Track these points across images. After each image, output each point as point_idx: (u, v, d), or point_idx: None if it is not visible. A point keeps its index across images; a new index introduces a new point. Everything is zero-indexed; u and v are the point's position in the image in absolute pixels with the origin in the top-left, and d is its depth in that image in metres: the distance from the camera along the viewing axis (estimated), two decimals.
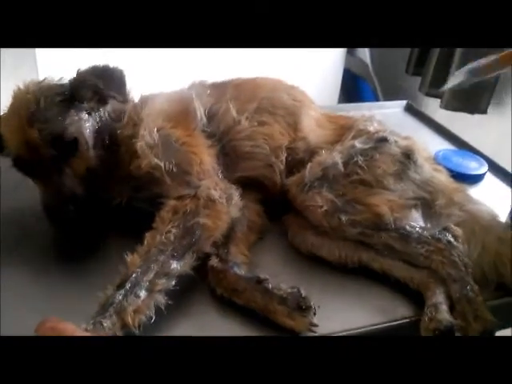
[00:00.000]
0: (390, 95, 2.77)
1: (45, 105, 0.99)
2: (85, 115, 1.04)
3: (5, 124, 1.02)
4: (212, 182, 1.00)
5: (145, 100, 1.15)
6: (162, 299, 0.84)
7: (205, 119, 1.13)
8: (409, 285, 0.97)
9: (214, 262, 0.96)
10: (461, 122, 2.08)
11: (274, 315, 0.88)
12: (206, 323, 0.89)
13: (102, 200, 1.05)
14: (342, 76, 2.90)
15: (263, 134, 1.14)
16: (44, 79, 1.06)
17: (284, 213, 1.13)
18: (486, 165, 1.43)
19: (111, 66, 1.04)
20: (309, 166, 1.08)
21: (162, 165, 1.00)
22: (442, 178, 1.12)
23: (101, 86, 1.02)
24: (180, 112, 1.11)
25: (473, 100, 2.18)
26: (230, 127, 1.14)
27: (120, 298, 0.81)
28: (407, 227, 0.99)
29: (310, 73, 2.72)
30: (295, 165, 1.14)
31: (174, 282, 0.86)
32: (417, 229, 0.99)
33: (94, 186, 1.04)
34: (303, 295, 0.88)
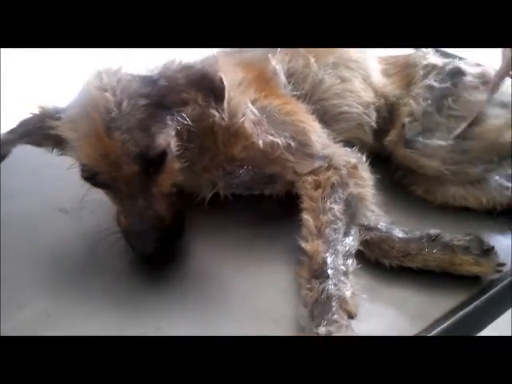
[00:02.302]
0: None
1: (128, 109, 0.80)
2: (170, 121, 0.86)
3: (74, 128, 0.82)
4: (336, 148, 0.93)
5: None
6: (357, 280, 0.80)
7: (285, 80, 1.02)
8: None
9: (363, 235, 0.88)
10: None
11: (459, 267, 0.84)
12: None
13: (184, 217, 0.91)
14: None
15: (349, 91, 1.07)
16: (119, 68, 0.85)
17: None
18: None
19: (207, 69, 0.85)
20: (404, 120, 1.04)
21: (279, 141, 0.90)
22: None
23: (200, 103, 0.84)
24: (261, 77, 0.98)
25: None
26: (315, 86, 1.04)
27: (333, 288, 0.74)
28: None
29: None
30: (382, 122, 1.10)
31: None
32: None
33: (179, 204, 0.90)
34: (482, 239, 0.84)
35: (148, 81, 0.84)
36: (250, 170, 0.97)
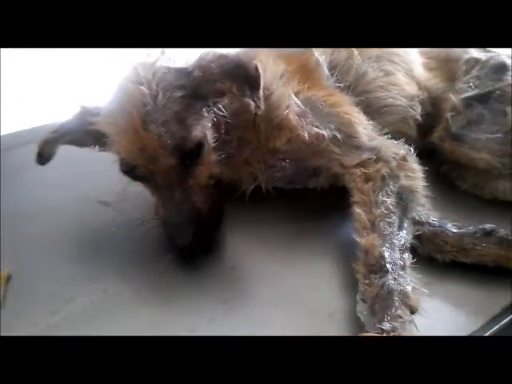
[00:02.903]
0: None
1: (163, 101, 0.80)
2: (205, 113, 0.85)
3: (112, 122, 0.83)
4: (383, 139, 0.92)
5: None
6: (415, 274, 0.77)
7: (328, 72, 1.00)
8: None
9: (416, 230, 0.86)
10: None
11: None
12: None
13: (223, 210, 0.91)
14: None
15: (393, 84, 1.05)
16: (155, 62, 0.85)
17: None
18: None
19: (241, 58, 0.83)
20: (447, 115, 1.02)
21: (325, 133, 0.88)
22: None
23: (235, 92, 0.82)
24: (303, 69, 0.97)
25: None
26: (359, 78, 1.03)
27: (394, 283, 0.72)
28: None
29: None
30: (425, 117, 1.08)
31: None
32: None
33: (217, 196, 0.89)
34: None
35: (183, 72, 0.84)
36: (292, 164, 0.96)
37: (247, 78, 0.81)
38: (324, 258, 0.88)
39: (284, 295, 0.81)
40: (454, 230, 0.86)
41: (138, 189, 0.89)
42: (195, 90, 0.83)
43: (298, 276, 0.85)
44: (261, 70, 0.81)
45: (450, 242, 0.85)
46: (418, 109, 1.07)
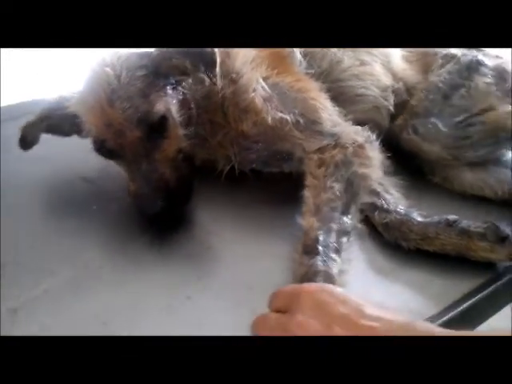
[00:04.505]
0: None
1: (127, 80, 0.86)
2: (170, 90, 0.91)
3: (82, 103, 0.89)
4: (346, 126, 0.93)
5: (225, 52, 0.99)
6: (348, 257, 0.81)
7: (302, 59, 1.03)
8: None
9: (383, 217, 0.92)
10: None
11: (474, 252, 0.86)
12: None
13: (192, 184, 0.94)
14: None
15: (368, 74, 1.08)
16: (120, 50, 0.91)
17: None
18: None
19: None
20: (410, 105, 1.07)
21: (288, 118, 0.91)
22: None
23: (188, 66, 0.89)
24: (275, 55, 0.99)
25: None
26: (333, 66, 1.05)
27: (321, 264, 0.76)
28: None
29: None
30: (399, 107, 1.10)
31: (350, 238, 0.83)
32: None
33: (186, 169, 0.93)
34: (499, 226, 0.86)
35: (145, 54, 0.90)
36: (264, 147, 0.99)
37: (201, 55, 0.87)
38: (275, 237, 0.92)
39: (258, 277, 0.84)
40: (420, 219, 0.90)
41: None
42: (156, 69, 0.89)
43: (272, 259, 0.87)
44: (216, 53, 0.87)
45: (414, 230, 0.89)
46: (391, 99, 1.10)
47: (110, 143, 0.87)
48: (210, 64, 0.88)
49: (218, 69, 0.89)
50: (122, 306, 0.78)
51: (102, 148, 0.89)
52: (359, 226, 0.87)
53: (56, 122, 0.97)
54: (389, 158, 1.02)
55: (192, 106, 0.96)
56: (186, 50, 0.88)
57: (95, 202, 0.99)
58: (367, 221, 0.94)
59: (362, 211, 0.90)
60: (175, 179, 0.89)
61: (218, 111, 0.97)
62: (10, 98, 1.43)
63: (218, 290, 0.82)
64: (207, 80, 0.93)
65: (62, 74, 1.79)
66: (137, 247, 0.89)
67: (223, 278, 0.85)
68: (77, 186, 1.03)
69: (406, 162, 1.07)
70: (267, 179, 1.03)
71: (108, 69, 0.86)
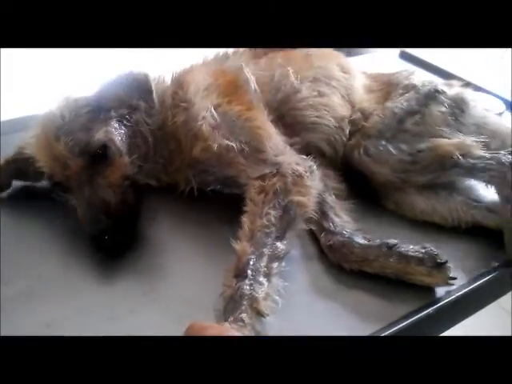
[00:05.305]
0: None
1: (70, 117, 0.95)
2: (114, 123, 1.00)
3: (35, 144, 0.98)
4: (289, 156, 0.97)
5: (180, 79, 1.08)
6: (279, 282, 0.84)
7: (257, 88, 1.07)
8: None
9: (328, 239, 0.95)
10: None
11: (412, 276, 0.89)
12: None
13: (139, 207, 0.99)
14: None
15: (325, 104, 1.12)
16: (71, 93, 1.01)
17: None
18: (504, 104, 1.45)
19: (135, 71, 1.00)
20: (364, 127, 1.09)
21: (234, 145, 0.95)
22: (494, 120, 1.16)
23: (124, 98, 1.00)
24: (231, 84, 1.05)
25: None
26: (290, 95, 1.10)
27: (248, 288, 0.78)
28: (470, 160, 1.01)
29: None
30: (355, 134, 1.13)
31: (284, 264, 0.86)
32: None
33: (132, 194, 0.97)
34: (436, 252, 0.89)
35: (91, 95, 1.01)
36: (218, 170, 1.04)
37: (136, 84, 0.99)
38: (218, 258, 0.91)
39: (205, 294, 0.85)
40: (362, 242, 0.93)
41: None
42: (98, 104, 0.99)
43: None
44: (150, 77, 0.99)
45: (355, 252, 0.92)
46: (347, 129, 1.13)
47: (58, 176, 0.96)
48: (145, 91, 0.99)
49: (154, 95, 0.99)
50: (66, 315, 0.82)
51: (54, 182, 0.98)
52: (294, 251, 0.92)
53: (21, 166, 1.04)
54: (344, 181, 1.08)
55: (148, 136, 1.04)
56: (123, 82, 0.99)
57: (53, 215, 1.03)
58: (317, 242, 0.99)
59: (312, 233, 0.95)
60: (119, 203, 0.94)
61: (172, 139, 1.05)
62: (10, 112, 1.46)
63: (163, 305, 0.85)
64: (158, 111, 1.02)
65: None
66: (90, 262, 0.93)
67: (169, 293, 0.88)
68: (37, 200, 1.07)
69: (362, 185, 1.11)
70: (228, 199, 1.06)
71: (56, 111, 0.96)
